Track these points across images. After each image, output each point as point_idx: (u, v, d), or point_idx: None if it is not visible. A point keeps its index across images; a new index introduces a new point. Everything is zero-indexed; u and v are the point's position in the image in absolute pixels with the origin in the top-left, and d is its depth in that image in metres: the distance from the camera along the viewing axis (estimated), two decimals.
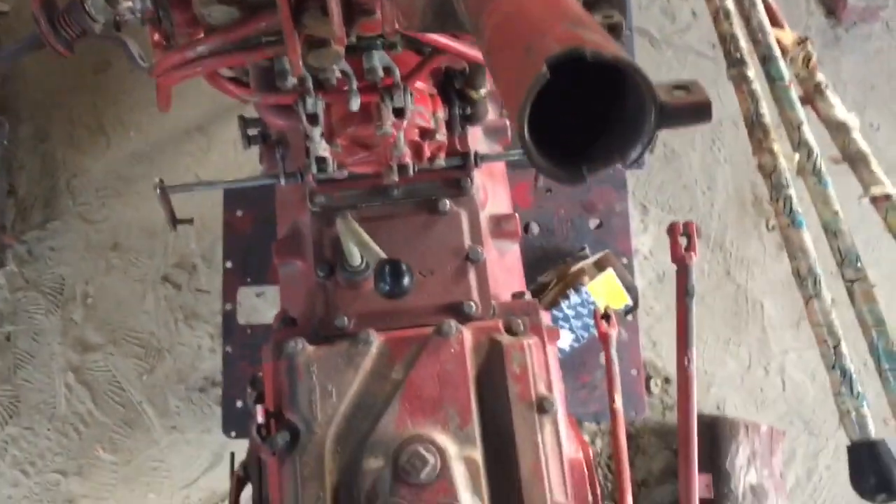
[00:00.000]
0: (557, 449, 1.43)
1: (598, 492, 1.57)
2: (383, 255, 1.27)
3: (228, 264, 2.30)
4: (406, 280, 1.24)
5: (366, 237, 1.37)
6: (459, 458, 1.38)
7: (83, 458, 2.68)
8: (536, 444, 1.41)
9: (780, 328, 2.85)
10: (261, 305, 2.65)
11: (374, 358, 1.46)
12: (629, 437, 2.40)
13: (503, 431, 1.42)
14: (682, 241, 1.45)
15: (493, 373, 1.45)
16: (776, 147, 1.34)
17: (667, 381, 2.79)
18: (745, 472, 2.47)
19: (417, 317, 1.53)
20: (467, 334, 1.47)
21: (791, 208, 1.28)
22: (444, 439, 1.38)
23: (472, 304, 1.53)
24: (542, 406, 1.43)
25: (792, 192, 1.34)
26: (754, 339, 2.83)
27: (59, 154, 2.90)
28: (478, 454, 1.39)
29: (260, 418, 1.44)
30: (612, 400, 1.66)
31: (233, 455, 1.72)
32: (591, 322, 2.25)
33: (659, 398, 2.78)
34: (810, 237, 1.30)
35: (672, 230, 1.41)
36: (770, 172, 1.30)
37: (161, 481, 2.69)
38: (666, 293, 2.86)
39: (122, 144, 2.90)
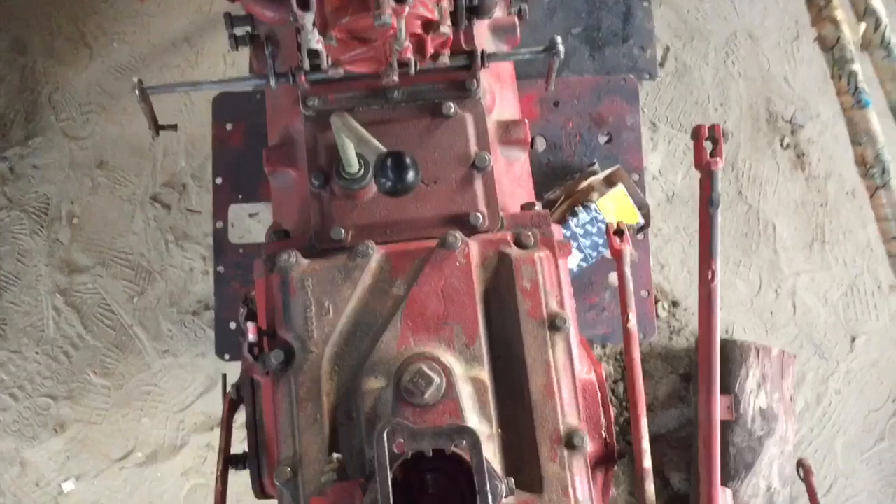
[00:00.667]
0: (570, 369, 1.35)
1: (611, 415, 1.49)
2: (384, 149, 1.16)
3: (218, 180, 2.18)
4: (410, 174, 1.12)
5: (364, 132, 1.25)
6: (466, 379, 1.29)
7: (74, 382, 2.61)
8: (548, 363, 1.32)
9: (793, 250, 2.75)
10: (255, 227, 2.55)
11: (373, 272, 1.36)
12: None
13: (512, 350, 1.33)
14: (708, 145, 1.33)
15: (501, 288, 1.36)
16: (839, 15, 1.19)
17: (674, 304, 2.71)
18: (754, 395, 2.40)
19: (420, 229, 1.42)
20: (474, 247, 1.37)
21: (856, 86, 1.14)
22: (449, 358, 1.29)
23: (479, 214, 1.42)
24: (554, 323, 1.34)
25: (857, 67, 1.20)
26: (765, 261, 2.74)
27: (40, 66, 2.75)
28: (485, 374, 1.31)
29: (251, 336, 1.35)
30: (625, 319, 1.56)
31: (224, 377, 1.64)
32: (600, 241, 2.14)
33: (666, 322, 2.70)
34: (877, 119, 1.17)
35: (697, 133, 1.30)
36: (831, 45, 1.16)
37: (155, 406, 2.62)
38: (675, 214, 2.75)
39: (105, 56, 2.75)
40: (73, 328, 2.64)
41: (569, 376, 1.34)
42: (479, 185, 1.45)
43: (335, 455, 1.24)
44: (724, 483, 2.33)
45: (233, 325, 2.17)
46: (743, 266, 2.74)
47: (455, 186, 1.44)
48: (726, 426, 2.37)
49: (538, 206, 1.49)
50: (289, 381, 1.33)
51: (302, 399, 1.31)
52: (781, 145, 2.81)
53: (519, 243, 1.40)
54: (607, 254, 2.17)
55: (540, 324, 1.34)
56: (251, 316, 1.39)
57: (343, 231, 1.41)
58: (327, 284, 1.35)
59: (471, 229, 1.41)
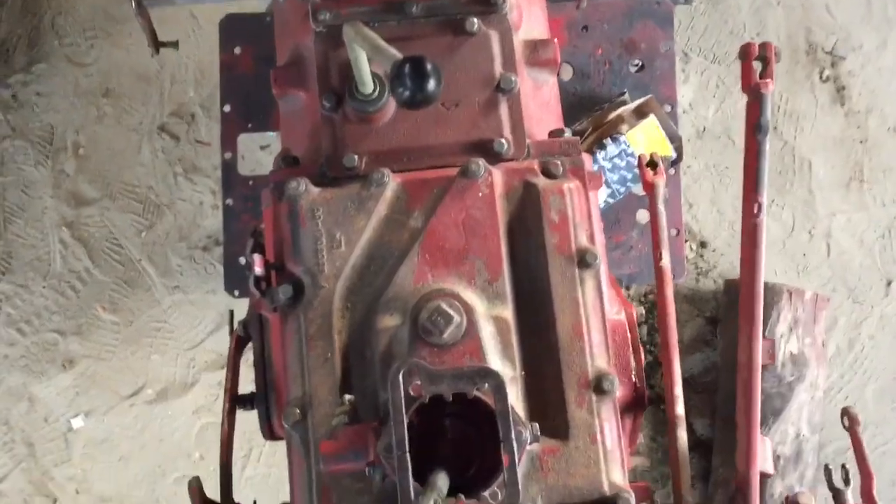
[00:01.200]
0: (599, 308, 1.25)
1: (641, 358, 1.40)
2: (400, 56, 1.04)
3: (227, 108, 2.07)
4: (431, 83, 1.01)
5: (379, 40, 1.14)
6: (487, 317, 1.20)
7: (82, 317, 2.54)
8: (576, 301, 1.22)
9: (829, 189, 2.63)
10: (265, 159, 2.45)
11: (389, 202, 1.26)
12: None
13: (538, 288, 1.24)
14: (757, 65, 1.21)
15: (527, 220, 1.26)
16: None
17: (702, 245, 2.60)
18: (785, 340, 2.31)
19: (439, 156, 1.31)
20: (498, 176, 1.26)
21: None
22: (470, 295, 1.20)
23: (504, 141, 1.31)
24: (584, 259, 1.24)
25: None
26: (800, 200, 2.62)
27: None
28: (509, 313, 1.21)
29: (258, 269, 1.26)
30: (658, 257, 1.46)
31: (231, 313, 1.56)
32: (629, 176, 2.03)
33: (693, 263, 2.59)
34: None
35: (746, 52, 1.18)
36: None
37: (165, 343, 2.56)
38: (706, 150, 2.63)
39: None
40: (81, 262, 2.57)
41: (598, 316, 1.25)
42: (504, 110, 1.33)
43: (347, 396, 1.16)
44: None
45: (242, 261, 2.09)
46: (776, 205, 2.62)
47: (478, 110, 1.33)
48: None
49: (567, 134, 1.38)
50: (298, 318, 1.24)
51: (312, 337, 1.23)
52: (820, 78, 2.67)
53: (547, 172, 1.29)
54: (636, 189, 2.06)
55: (568, 259, 1.24)
56: (258, 248, 1.30)
57: (356, 158, 1.31)
58: (339, 215, 1.25)
59: (495, 157, 1.30)
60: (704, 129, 2.64)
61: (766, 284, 2.36)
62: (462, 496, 0.98)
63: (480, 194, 1.25)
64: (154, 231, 2.59)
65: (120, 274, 2.57)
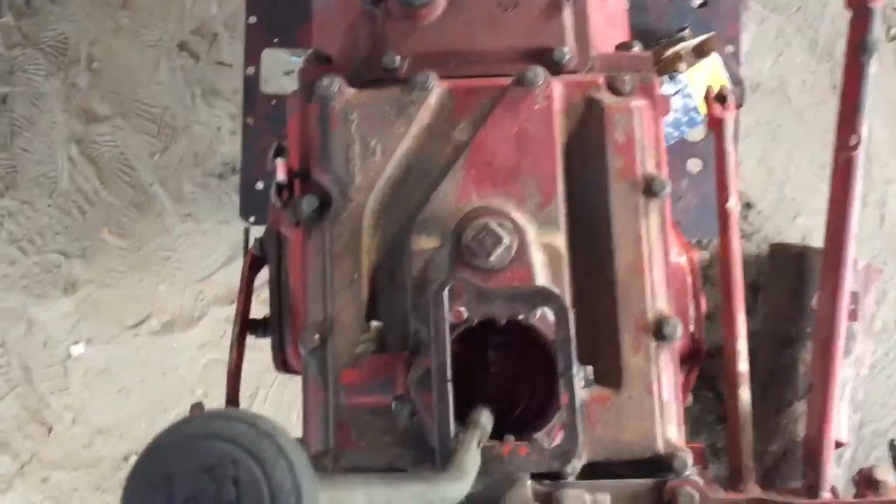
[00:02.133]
0: (663, 244, 1.11)
1: (702, 306, 1.26)
2: None
3: (252, 19, 1.92)
4: None
5: None
6: (538, 245, 1.06)
7: (87, 239, 2.41)
8: (639, 234, 1.09)
9: (887, 155, 2.45)
10: (289, 84, 2.29)
11: (432, 110, 1.12)
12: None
13: (596, 216, 1.10)
14: None
15: (587, 140, 1.11)
16: None
17: (748, 206, 2.44)
18: None
19: (492, 62, 1.17)
20: (557, 88, 1.12)
21: None
22: (519, 218, 1.05)
23: (566, 50, 1.16)
24: (650, 187, 1.10)
25: None
26: None
27: None
28: (561, 241, 1.08)
29: (281, 176, 1.12)
30: (724, 199, 1.32)
31: (247, 231, 1.44)
32: (684, 119, 1.87)
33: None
34: None
35: None
36: None
37: (173, 273, 2.43)
38: (758, 106, 2.46)
39: None
40: (89, 182, 2.43)
41: (662, 253, 1.11)
42: (567, 14, 1.18)
43: (374, 323, 1.03)
44: (790, 404, 2.12)
45: (259, 185, 1.95)
46: (829, 168, 2.44)
47: (538, 14, 1.18)
48: (797, 341, 2.13)
49: (637, 48, 1.22)
50: (322, 233, 1.10)
51: (337, 254, 1.09)
52: (887, 37, 2.48)
53: (613, 88, 1.15)
54: (689, 134, 1.90)
55: (632, 186, 1.09)
56: (280, 152, 1.16)
57: (398, 58, 1.16)
58: (376, 120, 1.11)
59: (554, 67, 1.15)
60: (759, 84, 2.47)
61: (816, 251, 2.22)
62: (511, 437, 0.84)
63: (537, 106, 1.11)
64: (168, 154, 2.44)
65: (130, 197, 2.44)
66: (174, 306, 2.42)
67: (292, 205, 1.12)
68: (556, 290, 0.86)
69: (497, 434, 0.85)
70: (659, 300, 1.09)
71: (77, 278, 2.40)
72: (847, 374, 2.16)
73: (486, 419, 0.82)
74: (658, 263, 1.10)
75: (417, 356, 0.96)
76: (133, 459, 1.17)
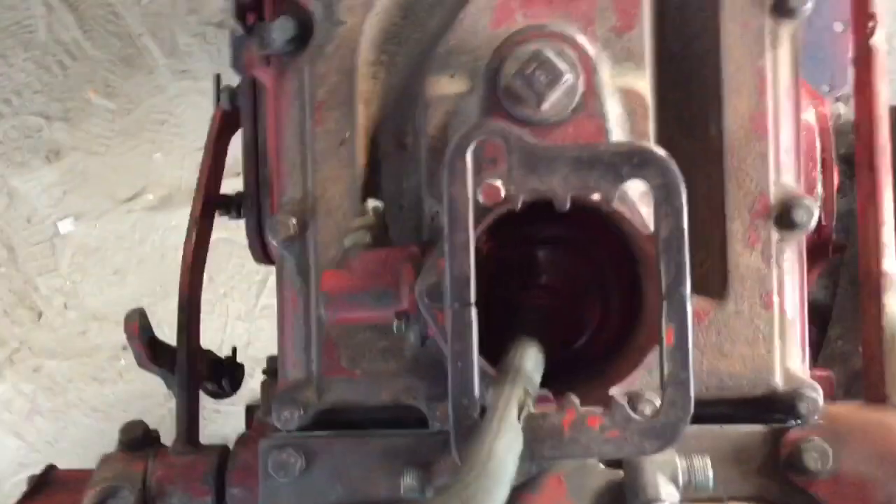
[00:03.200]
0: (794, 90, 0.77)
1: (834, 179, 0.92)
2: None
3: None
4: None
5: None
6: (613, 89, 0.72)
7: (71, 100, 2.11)
8: (761, 74, 0.76)
9: None
10: None
11: None
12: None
13: (698, 47, 0.76)
14: None
15: None
16: None
17: None
18: None
19: None
20: None
21: None
22: (587, 46, 0.70)
23: None
24: (783, 3, 0.73)
25: None
26: None
27: None
28: (646, 84, 0.76)
29: None
30: (867, 30, 0.95)
31: (217, 77, 1.10)
32: None
33: None
34: None
35: None
36: None
37: (170, 139, 2.13)
38: None
39: None
40: (69, 32, 2.10)
41: (793, 103, 0.77)
42: None
43: (371, 202, 0.71)
44: None
45: None
46: None
47: None
48: None
49: None
50: (301, 73, 0.78)
51: (321, 103, 0.78)
52: None
53: None
54: None
55: (754, 1, 0.74)
56: None
57: None
58: None
59: None
60: None
61: None
62: (572, 397, 0.51)
63: None
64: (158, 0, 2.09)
65: (116, 50, 2.11)
66: (172, 178, 2.13)
67: (260, 31, 0.79)
68: (660, 150, 0.51)
69: (547, 384, 0.53)
70: (786, 173, 0.76)
71: (60, 145, 2.11)
72: None
73: (532, 363, 0.51)
74: (787, 119, 0.77)
75: (432, 253, 0.64)
76: None
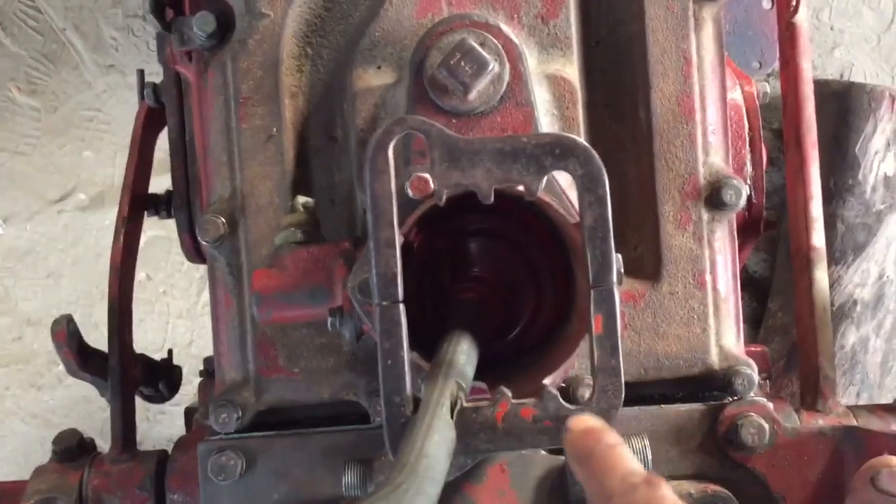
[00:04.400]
0: (720, 69, 0.77)
1: (763, 156, 0.93)
2: None
3: None
4: None
5: None
6: (540, 77, 0.72)
7: None
8: (686, 57, 0.77)
9: None
10: None
11: None
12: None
13: (624, 32, 0.76)
14: None
15: None
16: None
17: None
18: (879, 158, 1.83)
19: None
20: None
21: None
22: (513, 34, 0.69)
23: None
24: None
25: None
26: None
27: None
28: (574, 71, 0.75)
29: None
30: (791, 8, 0.96)
31: (141, 73, 1.07)
32: None
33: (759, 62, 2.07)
34: None
35: None
36: None
37: (99, 136, 2.06)
38: None
39: None
40: None
41: (718, 82, 0.77)
42: None
43: (302, 199, 0.70)
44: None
45: None
46: None
47: None
48: (836, 196, 1.81)
49: None
50: (223, 69, 0.76)
51: (246, 99, 0.76)
52: None
53: None
54: None
55: None
56: None
57: None
58: None
59: None
60: None
61: (862, 87, 1.86)
62: (504, 390, 0.51)
63: None
64: None
65: (38, 46, 2.03)
66: (104, 176, 2.06)
67: (179, 25, 0.77)
68: (581, 140, 0.51)
69: (481, 376, 0.53)
70: (714, 153, 0.76)
71: None
72: (892, 233, 1.86)
73: (466, 356, 0.50)
74: (713, 100, 0.77)
75: (364, 246, 0.63)
76: None
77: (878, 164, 1.84)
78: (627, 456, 0.43)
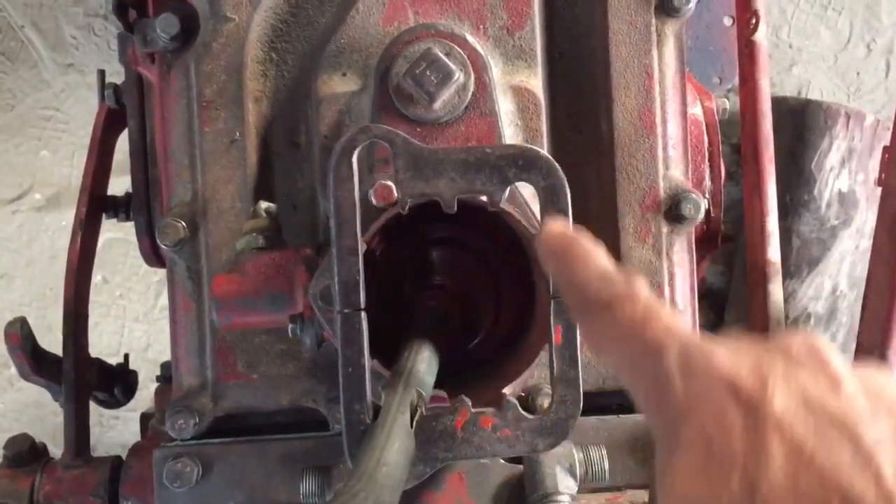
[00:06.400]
0: (681, 85, 0.79)
1: (721, 171, 0.94)
2: None
3: None
4: None
5: None
6: (505, 88, 0.72)
7: None
8: (648, 71, 0.78)
9: None
10: None
11: None
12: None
13: (586, 47, 0.78)
14: None
15: None
16: None
17: None
18: (835, 175, 1.86)
19: None
20: None
21: None
22: (478, 45, 0.70)
23: None
24: (668, 1, 0.75)
25: None
26: (861, 5, 2.11)
27: None
28: (538, 82, 0.76)
29: None
30: (749, 26, 0.98)
31: (102, 74, 1.06)
32: None
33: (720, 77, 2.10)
34: None
35: None
36: None
37: (57, 136, 2.03)
38: None
39: None
40: None
41: (679, 98, 0.78)
42: None
43: (264, 204, 0.69)
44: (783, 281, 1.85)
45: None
46: (832, 9, 2.11)
47: None
48: (793, 212, 1.85)
49: None
50: (187, 72, 0.76)
51: (209, 102, 0.75)
52: None
53: None
54: None
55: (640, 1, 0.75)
56: None
57: None
58: None
59: None
60: None
61: (819, 104, 1.90)
62: (464, 399, 0.51)
63: None
64: None
65: None
66: (61, 176, 2.03)
67: (141, 27, 0.76)
68: (544, 153, 0.52)
69: (442, 384, 0.53)
70: (674, 167, 0.77)
71: None
72: (845, 247, 1.90)
73: (426, 364, 0.51)
74: (674, 114, 0.78)
75: (326, 253, 0.63)
76: None
77: (833, 180, 1.88)
78: (605, 254, 0.42)
